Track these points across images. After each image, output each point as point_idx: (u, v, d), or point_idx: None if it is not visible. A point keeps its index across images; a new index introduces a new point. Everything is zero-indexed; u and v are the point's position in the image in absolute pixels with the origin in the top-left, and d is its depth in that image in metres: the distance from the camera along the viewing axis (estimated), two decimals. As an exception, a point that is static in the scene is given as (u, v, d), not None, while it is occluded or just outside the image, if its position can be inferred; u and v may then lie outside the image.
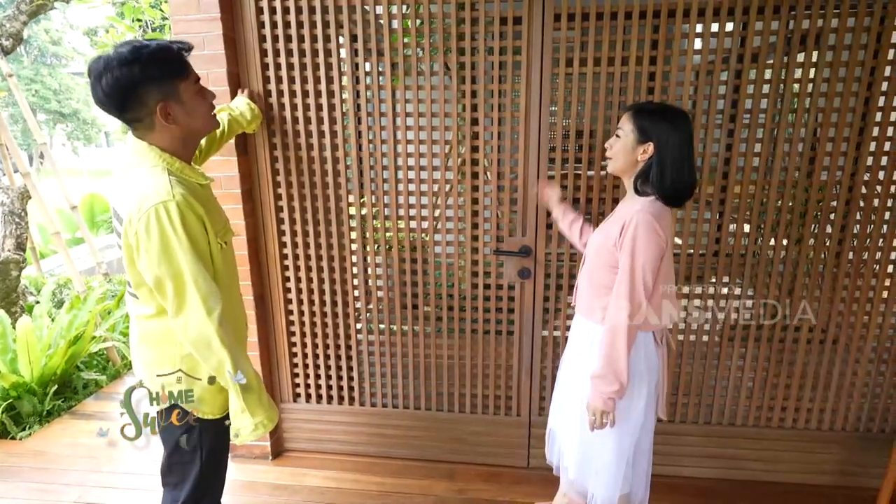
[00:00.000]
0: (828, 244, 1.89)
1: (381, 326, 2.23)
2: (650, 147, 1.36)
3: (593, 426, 1.43)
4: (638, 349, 1.45)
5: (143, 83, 1.12)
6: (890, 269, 1.89)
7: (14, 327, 2.82)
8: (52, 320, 3.08)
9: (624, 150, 1.40)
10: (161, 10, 4.87)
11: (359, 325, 2.25)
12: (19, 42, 3.76)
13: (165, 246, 1.15)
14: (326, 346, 2.26)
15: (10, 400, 2.59)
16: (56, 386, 2.79)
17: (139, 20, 5.04)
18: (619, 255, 1.38)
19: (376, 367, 2.27)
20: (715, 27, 1.76)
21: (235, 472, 2.23)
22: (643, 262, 1.34)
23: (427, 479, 2.20)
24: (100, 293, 3.26)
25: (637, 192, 1.41)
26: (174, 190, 1.15)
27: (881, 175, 1.80)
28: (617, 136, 1.42)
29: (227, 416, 1.35)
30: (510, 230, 2.04)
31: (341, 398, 2.32)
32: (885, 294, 1.91)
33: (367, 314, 2.22)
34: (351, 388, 2.31)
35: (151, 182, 1.16)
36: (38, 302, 3.23)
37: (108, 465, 2.31)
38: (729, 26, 1.77)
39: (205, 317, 1.19)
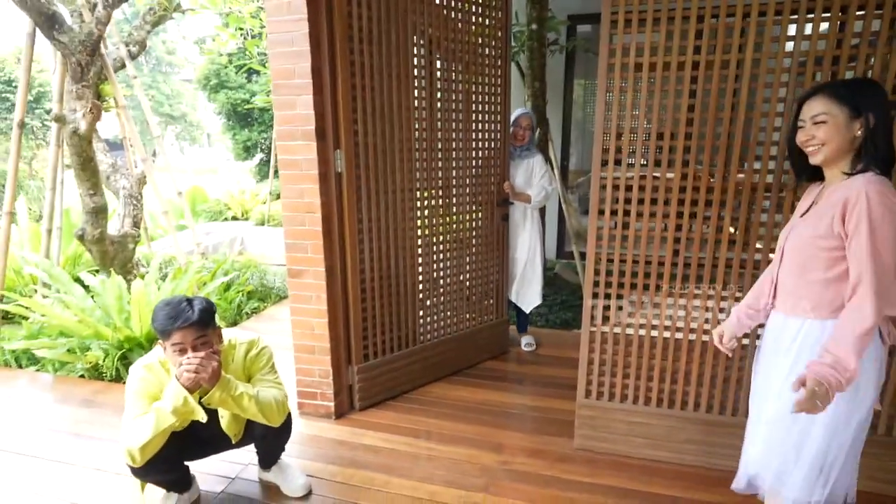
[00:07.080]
0: None
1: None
2: (866, 119, 1.27)
3: (801, 407, 1.23)
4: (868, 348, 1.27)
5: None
6: None
7: (129, 291, 3.28)
8: (159, 288, 3.54)
9: (837, 131, 1.29)
10: (260, 19, 5.34)
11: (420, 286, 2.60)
12: (143, 48, 4.34)
13: None
14: (391, 305, 2.59)
15: (124, 350, 3.02)
16: (159, 343, 3.21)
17: (241, 28, 5.58)
18: (845, 242, 1.26)
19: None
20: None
21: (303, 427, 2.48)
22: (883, 240, 1.20)
23: (474, 449, 2.32)
24: (197, 267, 3.69)
25: (849, 173, 1.30)
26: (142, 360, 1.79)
27: None
28: (822, 122, 1.30)
29: None
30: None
31: (408, 343, 2.72)
32: None
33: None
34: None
35: None
36: (147, 272, 3.72)
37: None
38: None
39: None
